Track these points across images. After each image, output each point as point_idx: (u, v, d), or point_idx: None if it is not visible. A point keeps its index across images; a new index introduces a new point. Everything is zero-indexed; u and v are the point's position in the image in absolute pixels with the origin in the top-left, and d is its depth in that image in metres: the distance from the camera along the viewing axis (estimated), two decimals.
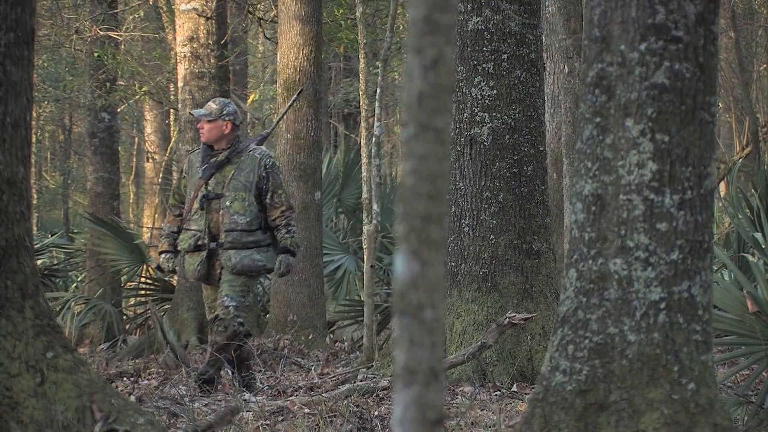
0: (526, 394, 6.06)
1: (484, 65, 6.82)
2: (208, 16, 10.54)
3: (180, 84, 10.71)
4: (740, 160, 15.19)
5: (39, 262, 13.44)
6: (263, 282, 11.69)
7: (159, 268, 6.82)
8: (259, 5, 14.76)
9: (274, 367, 8.13)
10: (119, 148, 14.71)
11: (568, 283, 3.63)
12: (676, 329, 3.49)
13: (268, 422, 5.17)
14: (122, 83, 14.27)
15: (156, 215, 18.35)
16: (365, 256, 8.56)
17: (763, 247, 5.48)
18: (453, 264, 6.81)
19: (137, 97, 15.38)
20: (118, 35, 13.35)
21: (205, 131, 6.60)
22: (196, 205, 6.58)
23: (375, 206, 8.55)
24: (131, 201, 21.91)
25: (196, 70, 10.52)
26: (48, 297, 8.74)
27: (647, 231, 3.50)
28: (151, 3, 15.76)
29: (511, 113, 6.81)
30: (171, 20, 14.73)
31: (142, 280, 12.04)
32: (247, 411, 5.42)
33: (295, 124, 9.93)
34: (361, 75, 9.21)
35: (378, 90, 8.75)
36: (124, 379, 7.43)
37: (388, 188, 12.93)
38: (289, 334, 9.55)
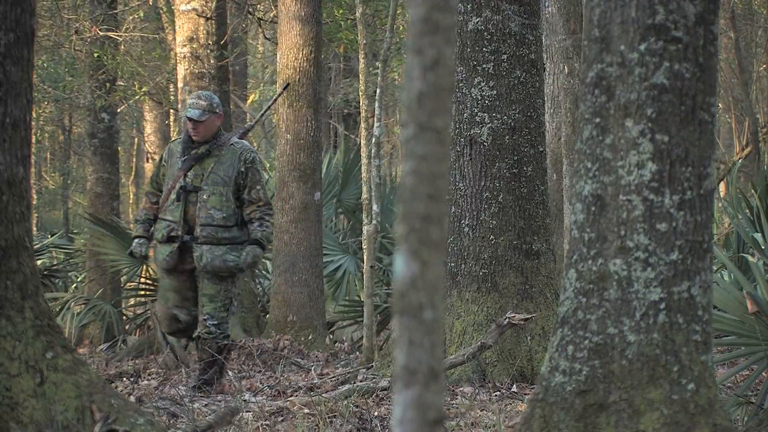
0: (525, 394, 6.06)
1: (483, 65, 6.82)
2: (208, 16, 10.53)
3: (180, 84, 10.70)
4: (740, 161, 15.17)
5: (39, 262, 13.44)
6: (263, 282, 11.69)
7: (131, 253, 6.75)
8: (259, 5, 14.76)
9: (273, 367, 8.12)
10: (119, 149, 14.71)
11: (568, 284, 3.63)
12: (675, 329, 3.49)
13: (267, 422, 5.17)
14: (122, 84, 14.26)
15: None
16: (365, 257, 8.56)
17: (763, 247, 5.48)
18: (453, 264, 6.81)
19: (137, 97, 15.37)
20: (117, 35, 13.35)
21: (201, 131, 6.49)
22: (173, 196, 6.51)
23: (375, 207, 8.55)
24: (131, 201, 21.90)
25: (196, 71, 10.51)
26: (48, 297, 8.72)
27: (647, 231, 3.50)
28: (150, 3, 15.75)
29: (510, 114, 6.81)
30: (171, 20, 14.72)
31: (142, 280, 12.03)
32: (246, 411, 5.42)
33: (295, 124, 9.92)
34: (360, 75, 9.21)
35: (378, 90, 8.76)
36: (124, 379, 7.42)
37: (388, 189, 12.92)
38: (289, 335, 9.54)
